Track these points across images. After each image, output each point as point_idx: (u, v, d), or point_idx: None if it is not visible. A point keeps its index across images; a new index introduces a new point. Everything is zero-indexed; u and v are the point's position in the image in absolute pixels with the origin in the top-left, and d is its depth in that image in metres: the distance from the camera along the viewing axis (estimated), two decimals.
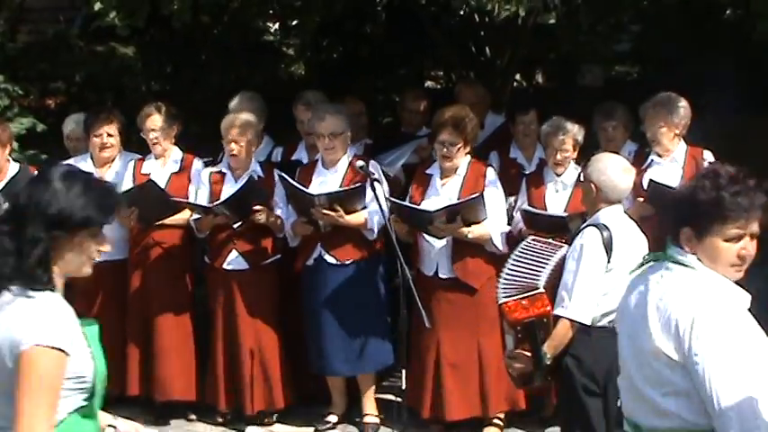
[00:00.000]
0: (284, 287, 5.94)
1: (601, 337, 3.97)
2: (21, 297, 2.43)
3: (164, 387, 5.91)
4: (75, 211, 2.45)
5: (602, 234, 4.11)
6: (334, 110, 5.70)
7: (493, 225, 5.42)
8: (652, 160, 5.61)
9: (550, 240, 4.40)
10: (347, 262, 5.66)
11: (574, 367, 4.09)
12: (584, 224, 4.28)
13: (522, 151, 6.25)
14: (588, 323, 4.09)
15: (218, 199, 5.71)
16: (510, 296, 4.20)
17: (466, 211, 5.30)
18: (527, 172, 6.03)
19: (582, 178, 4.58)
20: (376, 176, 5.23)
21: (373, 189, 5.17)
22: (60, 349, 2.39)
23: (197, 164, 6.05)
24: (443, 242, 5.45)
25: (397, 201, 5.43)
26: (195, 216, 5.82)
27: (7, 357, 2.39)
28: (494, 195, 5.49)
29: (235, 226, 5.76)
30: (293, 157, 6.23)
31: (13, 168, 5.95)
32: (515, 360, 4.23)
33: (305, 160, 6.11)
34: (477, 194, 5.32)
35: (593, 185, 4.26)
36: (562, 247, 4.31)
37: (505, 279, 4.26)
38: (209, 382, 5.90)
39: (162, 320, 5.95)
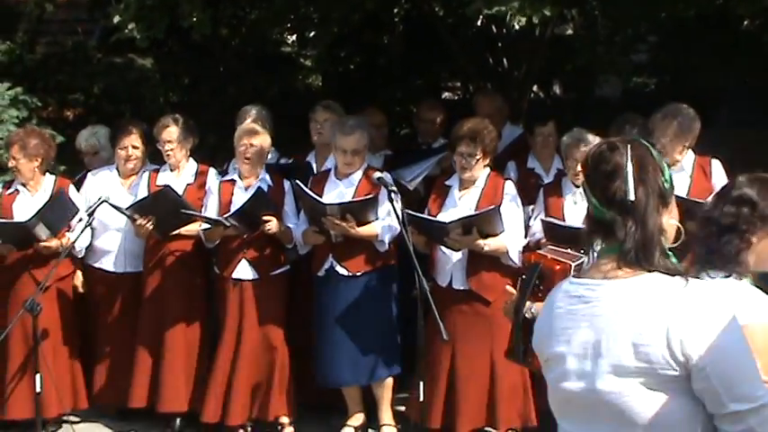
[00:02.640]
0: (294, 297, 5.94)
1: None
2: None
3: (170, 399, 5.87)
4: None
5: None
6: (359, 125, 5.71)
7: (510, 238, 5.41)
8: None
9: (569, 250, 4.36)
10: (359, 273, 5.63)
11: None
12: None
13: (540, 162, 6.24)
14: None
15: (228, 208, 5.73)
16: (541, 252, 4.17)
17: (482, 223, 5.30)
18: (545, 182, 6.04)
19: None
20: (392, 188, 5.19)
21: (391, 201, 5.15)
22: None
23: (212, 175, 6.06)
24: (459, 254, 5.45)
25: (414, 213, 5.40)
26: (205, 225, 5.83)
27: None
28: (512, 209, 5.50)
29: (245, 236, 5.77)
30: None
31: (49, 181, 5.97)
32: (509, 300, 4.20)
33: (314, 164, 6.16)
34: (493, 207, 5.32)
35: None
36: (581, 257, 4.26)
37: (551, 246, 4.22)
38: (210, 392, 5.82)
39: (173, 333, 5.93)
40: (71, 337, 5.96)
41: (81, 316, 6.05)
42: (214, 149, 6.65)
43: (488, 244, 5.34)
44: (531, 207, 5.81)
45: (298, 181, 5.64)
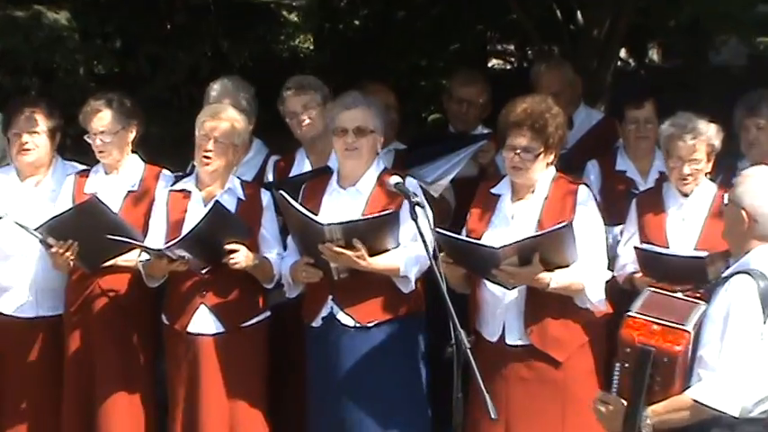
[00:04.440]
0: (275, 354, 6.01)
1: None
2: None
3: None
4: None
5: (757, 284, 4.13)
6: (367, 100, 5.81)
7: (587, 270, 5.41)
8: None
9: (679, 295, 4.39)
10: (371, 324, 5.69)
11: None
12: (730, 270, 4.29)
13: (633, 161, 6.32)
14: (736, 414, 4.10)
15: (179, 231, 5.77)
16: (643, 312, 4.21)
17: (547, 248, 5.29)
18: (640, 190, 6.08)
19: (726, 201, 4.54)
20: (418, 199, 5.15)
21: (414, 217, 5.05)
22: None
23: (163, 180, 6.10)
24: (514, 293, 5.45)
25: (448, 233, 5.42)
26: (144, 257, 5.86)
27: None
28: (590, 228, 5.50)
29: (203, 272, 5.82)
30: (292, 173, 6.34)
31: None
32: (605, 403, 4.25)
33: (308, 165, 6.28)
34: (563, 224, 5.31)
35: (743, 213, 4.28)
36: (698, 305, 4.30)
37: (647, 298, 4.29)
38: None
39: (110, 404, 5.99)
40: None
41: None
42: (163, 141, 6.83)
43: (555, 278, 5.34)
44: (620, 227, 5.87)
45: (283, 191, 5.67)
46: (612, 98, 7.14)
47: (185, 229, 5.73)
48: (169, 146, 6.72)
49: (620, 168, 6.31)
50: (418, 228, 5.07)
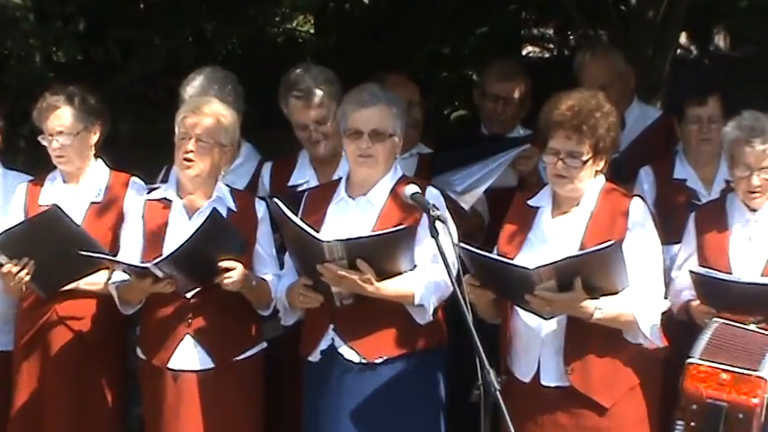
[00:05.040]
0: (271, 391, 6.04)
1: None
2: None
3: None
4: None
5: None
6: (386, 99, 5.80)
7: (639, 298, 5.38)
8: None
9: (752, 327, 4.38)
10: (378, 361, 5.72)
11: None
12: None
13: (694, 168, 6.35)
14: None
15: (159, 247, 5.78)
16: (708, 358, 4.16)
17: (592, 271, 5.27)
18: (702, 202, 6.11)
19: None
20: (439, 213, 5.18)
21: (434, 234, 5.12)
22: None
23: (134, 189, 6.14)
24: (552, 324, 5.45)
25: (474, 249, 5.40)
26: (118, 278, 5.84)
27: None
28: (643, 247, 5.48)
29: (188, 295, 5.83)
30: (290, 182, 6.38)
31: None
32: None
33: (313, 182, 6.26)
34: (610, 243, 5.28)
35: None
36: None
37: (713, 334, 4.24)
38: None
39: None
40: None
41: None
42: (133, 144, 6.88)
43: (602, 308, 5.33)
44: (678, 245, 5.90)
45: (278, 199, 5.69)
46: (670, 93, 7.18)
47: (167, 244, 5.76)
48: (143, 148, 6.77)
49: (679, 176, 6.34)
50: (438, 246, 5.11)
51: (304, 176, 6.39)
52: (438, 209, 5.23)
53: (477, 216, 6.34)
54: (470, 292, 5.16)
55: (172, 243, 5.75)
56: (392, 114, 5.74)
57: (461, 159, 6.41)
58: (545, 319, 5.42)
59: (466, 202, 6.23)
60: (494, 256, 5.50)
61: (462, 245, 5.28)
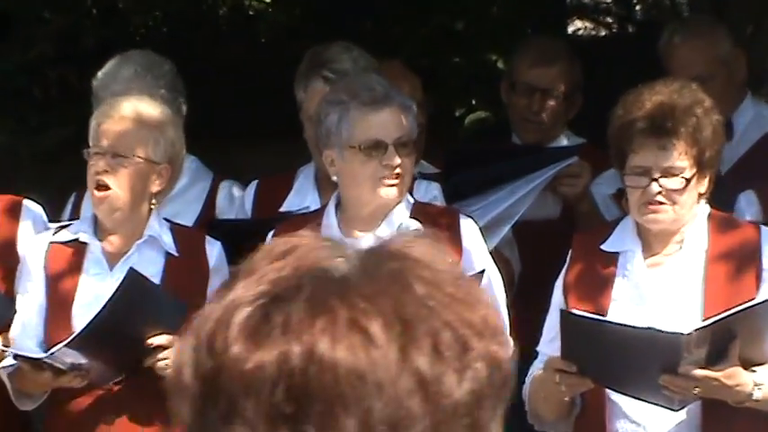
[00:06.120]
0: None
1: None
2: None
3: None
4: None
5: None
6: (397, 91, 5.39)
7: None
8: None
9: None
10: None
11: None
12: None
13: None
14: None
15: (67, 315, 5.32)
16: None
17: (744, 332, 4.81)
18: None
19: None
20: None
21: None
22: None
23: (28, 219, 5.55)
24: (681, 415, 4.87)
25: (587, 314, 4.90)
26: (7, 362, 5.32)
27: None
28: None
29: (112, 383, 5.34)
30: (284, 207, 5.90)
31: None
32: None
33: (313, 206, 5.74)
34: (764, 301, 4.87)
35: None
36: None
37: None
38: None
39: None
40: None
41: None
42: (24, 159, 6.31)
43: (761, 383, 4.80)
44: None
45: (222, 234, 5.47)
46: None
47: (78, 310, 5.29)
48: (29, 165, 6.17)
49: None
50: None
51: (303, 200, 5.88)
52: None
53: (504, 263, 5.59)
54: (560, 382, 4.76)
55: (84, 309, 5.26)
56: (413, 114, 5.30)
57: (480, 182, 5.96)
58: (674, 411, 4.85)
59: (491, 242, 5.59)
60: (618, 321, 4.92)
61: (565, 309, 4.97)
